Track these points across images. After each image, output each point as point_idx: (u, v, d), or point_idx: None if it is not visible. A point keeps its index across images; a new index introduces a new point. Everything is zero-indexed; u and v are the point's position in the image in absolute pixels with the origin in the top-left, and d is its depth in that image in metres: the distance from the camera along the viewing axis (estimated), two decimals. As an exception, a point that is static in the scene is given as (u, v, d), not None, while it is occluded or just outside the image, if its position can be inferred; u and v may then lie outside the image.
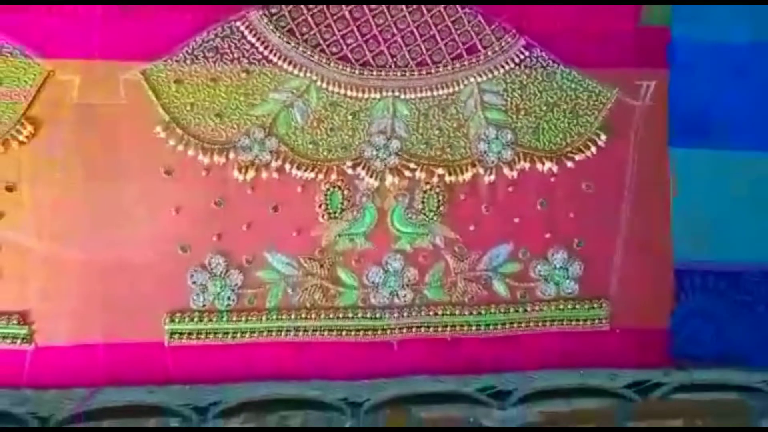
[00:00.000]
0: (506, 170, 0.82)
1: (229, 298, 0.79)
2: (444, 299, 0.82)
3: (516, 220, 0.82)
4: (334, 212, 0.80)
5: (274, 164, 0.78)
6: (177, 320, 0.78)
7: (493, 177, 0.81)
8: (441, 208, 0.81)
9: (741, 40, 0.86)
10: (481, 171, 0.81)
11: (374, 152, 0.80)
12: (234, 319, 0.79)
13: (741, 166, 0.87)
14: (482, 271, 0.82)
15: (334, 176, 0.79)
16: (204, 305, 0.79)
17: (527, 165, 0.82)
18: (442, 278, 0.82)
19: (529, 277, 0.83)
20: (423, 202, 0.81)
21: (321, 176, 0.79)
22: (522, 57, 0.82)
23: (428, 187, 0.81)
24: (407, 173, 0.80)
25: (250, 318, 0.78)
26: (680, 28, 0.85)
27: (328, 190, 0.80)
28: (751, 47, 0.86)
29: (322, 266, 0.80)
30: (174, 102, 0.77)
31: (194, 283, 0.79)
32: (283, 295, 0.80)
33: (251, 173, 0.78)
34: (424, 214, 0.81)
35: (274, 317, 0.79)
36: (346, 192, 0.80)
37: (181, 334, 0.78)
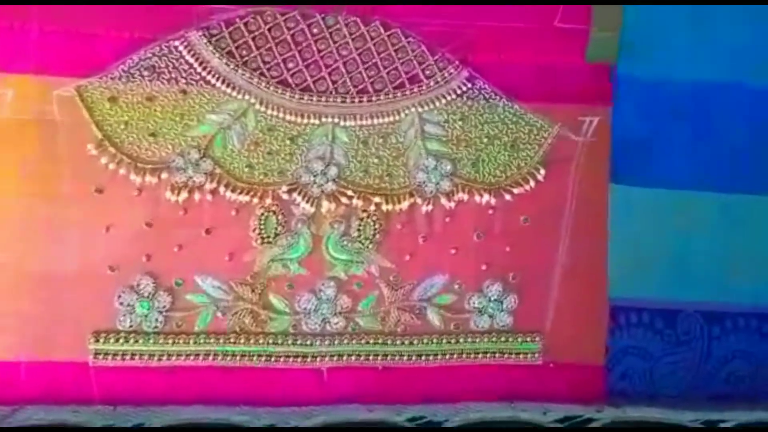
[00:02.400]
0: (444, 201, 0.85)
1: (156, 320, 0.82)
2: (377, 328, 0.85)
3: (452, 251, 0.86)
4: (268, 237, 0.82)
5: (208, 186, 0.80)
6: (102, 340, 0.80)
7: (430, 207, 0.85)
8: (377, 236, 0.84)
9: (683, 79, 0.94)
10: (419, 201, 0.84)
11: (311, 178, 0.83)
12: (161, 341, 0.81)
13: (679, 205, 0.92)
14: (416, 301, 0.86)
15: (269, 201, 0.81)
16: (131, 326, 0.81)
17: (465, 196, 0.85)
18: (375, 307, 0.85)
19: (464, 309, 0.87)
20: (359, 230, 0.84)
21: (256, 200, 0.81)
22: (464, 88, 0.86)
23: (365, 215, 0.84)
24: (344, 200, 0.82)
25: (177, 341, 0.81)
26: (625, 65, 0.93)
27: (262, 214, 0.82)
28: (692, 86, 0.94)
29: (253, 291, 0.83)
30: (108, 120, 0.80)
31: (122, 303, 0.81)
32: (213, 318, 0.82)
33: (184, 195, 0.80)
34: (360, 242, 0.84)
35: (203, 341, 0.82)
36: (281, 217, 0.82)
37: (106, 354, 0.81)
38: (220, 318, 0.82)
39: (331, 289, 0.84)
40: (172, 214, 0.80)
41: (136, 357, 0.81)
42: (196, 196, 0.80)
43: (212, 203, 0.81)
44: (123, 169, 0.80)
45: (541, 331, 0.88)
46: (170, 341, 0.82)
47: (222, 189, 0.81)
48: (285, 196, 0.82)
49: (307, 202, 0.83)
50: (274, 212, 0.82)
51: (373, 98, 0.84)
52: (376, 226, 0.84)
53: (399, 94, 0.85)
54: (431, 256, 0.85)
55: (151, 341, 0.82)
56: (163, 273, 0.81)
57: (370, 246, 0.84)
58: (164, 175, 0.80)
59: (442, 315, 0.86)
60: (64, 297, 0.79)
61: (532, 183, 0.87)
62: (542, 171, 0.87)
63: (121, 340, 0.81)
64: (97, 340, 0.80)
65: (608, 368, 0.89)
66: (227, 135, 0.81)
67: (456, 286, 0.87)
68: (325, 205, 0.82)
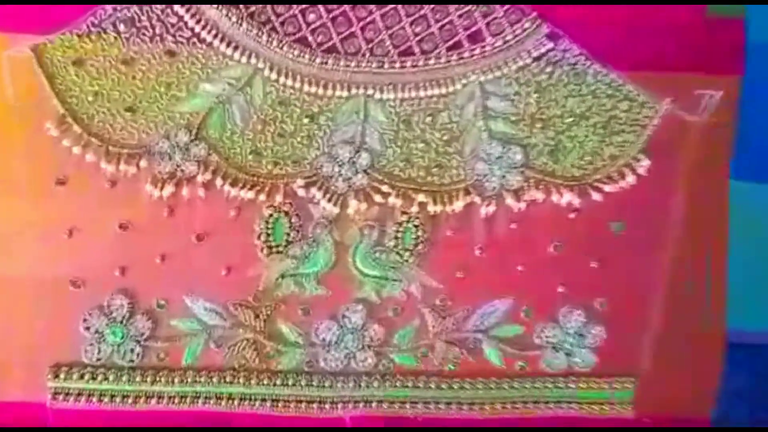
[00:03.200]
0: (511, 200, 0.76)
1: (132, 352, 0.76)
2: (416, 367, 0.79)
3: (519, 267, 0.78)
4: (278, 246, 0.75)
5: (200, 178, 0.73)
6: (63, 376, 0.75)
7: (492, 209, 0.76)
8: (420, 246, 0.76)
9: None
10: (477, 200, 0.76)
11: (336, 168, 0.75)
12: (138, 379, 0.76)
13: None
14: (470, 332, 0.79)
15: (279, 198, 0.74)
16: (99, 359, 0.76)
17: (539, 195, 0.77)
18: (415, 339, 0.78)
19: (533, 344, 0.80)
20: (397, 238, 0.76)
21: (263, 197, 0.74)
22: (542, 50, 0.77)
23: (405, 218, 0.76)
24: (378, 198, 0.75)
25: (158, 379, 0.76)
26: (761, 21, 0.80)
27: (271, 215, 0.75)
28: None
29: (257, 316, 0.76)
30: (72, 89, 0.72)
31: (88, 329, 0.75)
32: (205, 351, 0.76)
33: (169, 189, 0.73)
34: (398, 253, 0.77)
35: (191, 380, 0.76)
36: (294, 219, 0.75)
37: (68, 393, 0.76)
38: (214, 350, 0.76)
39: (358, 314, 0.76)
40: (153, 215, 0.73)
41: (106, 398, 0.75)
42: (185, 190, 0.73)
43: (205, 200, 0.74)
44: (91, 155, 0.72)
45: (635, 374, 0.80)
46: (149, 379, 0.76)
47: (219, 182, 0.73)
48: (301, 192, 0.74)
49: (330, 200, 0.74)
50: (287, 213, 0.74)
51: (420, 63, 0.75)
52: (420, 233, 0.75)
53: (454, 58, 0.76)
54: (491, 274, 0.77)
55: (125, 378, 0.76)
56: (141, 291, 0.75)
57: (411, 259, 0.76)
58: (144, 163, 0.73)
59: (503, 351, 0.79)
60: (15, 320, 0.74)
61: (630, 178, 0.77)
62: (644, 162, 0.77)
63: (86, 377, 0.75)
64: (57, 376, 0.75)
65: (719, 421, 0.82)
66: (226, 111, 0.73)
67: (523, 314, 0.78)
68: (353, 204, 0.74)
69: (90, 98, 0.72)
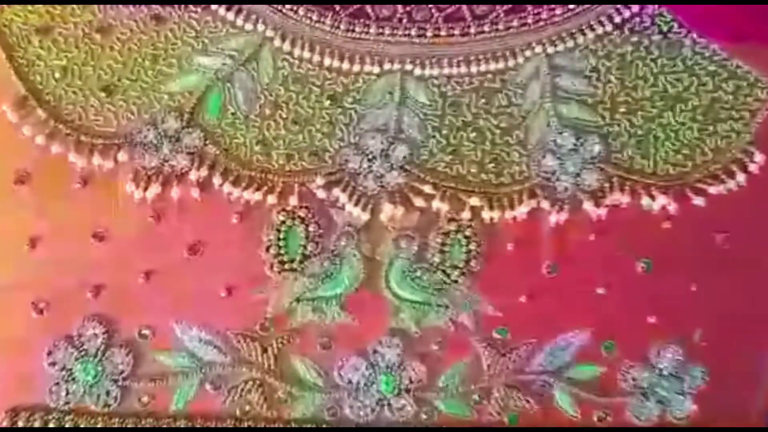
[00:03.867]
0: (588, 205, 0.70)
1: (108, 394, 0.69)
2: (468, 417, 0.72)
3: (600, 290, 0.71)
4: (292, 261, 0.69)
5: (194, 175, 0.68)
6: (23, 421, 0.69)
7: (564, 216, 0.70)
8: (472, 263, 0.70)
9: None
10: (546, 204, 0.70)
11: (365, 164, 0.69)
12: (116, 425, 0.70)
13: None
14: (536, 373, 0.72)
15: (294, 200, 0.69)
16: (68, 402, 0.69)
17: (624, 198, 0.70)
18: (466, 382, 0.72)
19: (616, 389, 0.73)
20: (443, 253, 0.70)
21: (272, 199, 0.68)
22: (626, 15, 0.71)
23: (453, 227, 0.70)
24: (419, 202, 0.69)
25: (142, 425, 0.71)
26: None
27: (283, 223, 0.69)
28: None
29: (266, 351, 0.70)
30: (35, 64, 0.67)
31: (53, 364, 0.69)
32: (199, 394, 0.70)
33: (155, 188, 0.68)
34: (444, 272, 0.70)
35: (182, 429, 0.71)
36: (312, 228, 0.69)
37: None
38: (210, 393, 0.70)
39: (393, 350, 0.71)
40: (135, 221, 0.69)
41: (76, 452, 0.69)
42: (175, 191, 0.68)
43: (201, 203, 0.69)
44: (58, 146, 0.67)
45: (747, 426, 0.74)
46: (129, 427, 0.71)
47: (217, 180, 0.68)
48: (321, 194, 0.69)
49: (358, 203, 0.69)
50: (303, 220, 0.69)
51: (472, 30, 0.70)
52: (472, 247, 0.70)
53: (515, 24, 0.70)
54: (564, 299, 0.72)
55: (100, 426, 0.70)
56: (120, 317, 0.70)
57: (461, 279, 0.71)
58: (123, 156, 0.68)
59: (579, 398, 0.73)
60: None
61: (739, 177, 0.71)
62: (758, 157, 0.71)
63: (52, 423, 0.69)
64: (15, 423, 0.69)
65: None
66: (227, 91, 0.69)
67: (604, 351, 0.72)
68: (387, 209, 0.69)
69: (57, 75, 0.68)
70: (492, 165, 0.71)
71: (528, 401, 0.73)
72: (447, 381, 0.72)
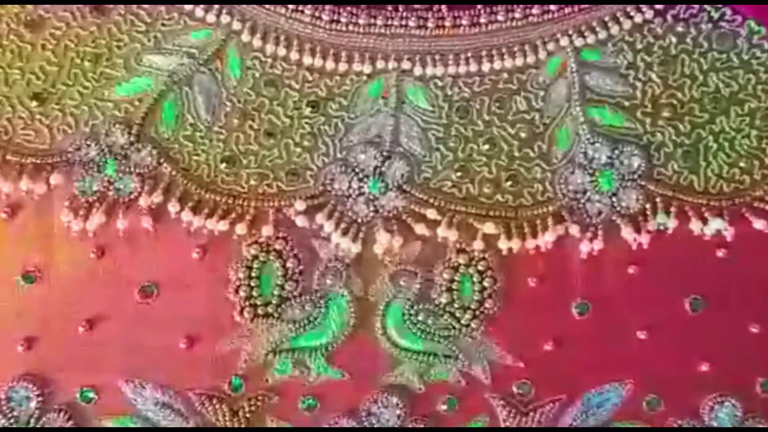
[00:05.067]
0: (627, 231, 0.67)
1: None
2: None
3: (641, 335, 0.69)
4: (267, 304, 0.67)
5: (145, 201, 0.65)
6: None
7: (599, 245, 0.68)
8: (487, 304, 0.68)
9: None
10: (575, 231, 0.67)
11: (355, 184, 0.67)
12: None
13: None
14: None
15: (268, 230, 0.66)
16: None
17: (671, 222, 0.68)
18: None
19: None
20: (450, 291, 0.68)
21: (242, 229, 0.66)
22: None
23: (463, 260, 0.68)
24: (420, 229, 0.67)
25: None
26: None
27: (255, 258, 0.66)
28: None
29: (236, 415, 0.68)
30: None
31: None
32: None
33: (98, 218, 0.65)
34: (452, 314, 0.68)
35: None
36: (291, 263, 0.67)
37: None
38: None
39: (392, 411, 0.69)
40: (74, 258, 0.67)
41: None
42: (122, 221, 0.66)
43: (154, 235, 0.67)
44: None
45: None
46: None
47: (174, 206, 0.66)
48: (301, 221, 0.67)
49: (346, 232, 0.67)
50: (279, 254, 0.67)
51: (482, 19, 0.68)
52: (486, 284, 0.68)
53: (536, 11, 0.68)
54: (598, 345, 0.70)
55: None
56: (57, 375, 0.68)
57: (474, 324, 0.68)
58: (58, 179, 0.65)
59: None
60: None
61: None
62: None
63: None
64: None
65: None
66: (185, 97, 0.67)
67: (647, 406, 0.70)
68: (383, 238, 0.67)
69: (-25, 79, 0.65)
70: (509, 184, 0.69)
71: (557, 470, 0.69)
72: (458, 448, 0.69)
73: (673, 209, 0.68)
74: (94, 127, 0.66)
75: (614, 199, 0.68)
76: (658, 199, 0.68)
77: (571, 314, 0.69)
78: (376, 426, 0.69)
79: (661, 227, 0.68)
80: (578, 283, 0.69)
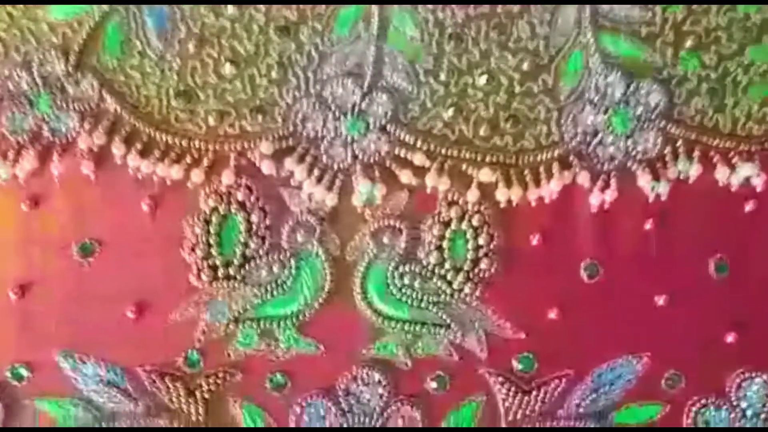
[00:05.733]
0: (644, 179, 0.66)
1: None
2: None
3: (660, 300, 0.69)
4: (228, 265, 0.67)
5: (85, 142, 0.63)
6: None
7: (611, 194, 0.67)
8: (483, 264, 0.68)
9: None
10: (585, 179, 0.66)
11: (330, 124, 0.66)
12: None
13: None
14: (573, 417, 0.72)
15: (229, 177, 0.65)
16: None
17: (694, 169, 0.67)
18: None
19: None
20: (440, 250, 0.68)
21: (198, 176, 0.65)
22: None
23: (456, 213, 0.67)
24: (406, 177, 0.66)
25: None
26: None
27: (214, 210, 0.66)
28: None
29: (192, 395, 0.68)
30: None
31: None
32: None
33: (30, 163, 0.64)
34: (443, 277, 0.68)
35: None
36: (256, 217, 0.66)
37: None
38: None
39: (373, 389, 0.70)
40: (2, 210, 0.66)
41: None
42: (57, 166, 0.65)
43: (96, 183, 0.65)
44: None
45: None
46: None
47: (118, 149, 0.65)
48: (267, 168, 0.65)
49: (320, 180, 0.66)
50: (242, 206, 0.67)
51: None
52: (482, 242, 0.68)
53: None
54: (610, 313, 0.70)
55: None
56: None
57: (467, 288, 0.68)
58: None
59: None
60: None
61: None
62: None
63: None
64: None
65: None
66: (133, 19, 0.65)
67: (666, 384, 0.71)
68: (363, 188, 0.66)
69: None
70: (509, 124, 0.67)
71: (563, 456, 0.69)
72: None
73: (696, 154, 0.67)
74: (26, 54, 0.64)
75: (629, 142, 0.67)
76: (679, 143, 0.67)
77: (579, 277, 0.68)
78: (354, 404, 0.70)
79: (683, 175, 0.67)
80: (588, 241, 0.68)
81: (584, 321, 0.69)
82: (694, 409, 0.71)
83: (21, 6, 0.63)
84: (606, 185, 0.67)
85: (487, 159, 0.66)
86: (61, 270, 0.65)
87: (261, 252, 0.66)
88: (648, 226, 0.68)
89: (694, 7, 0.67)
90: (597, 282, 0.68)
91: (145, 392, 0.68)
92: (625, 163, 0.67)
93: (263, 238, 0.66)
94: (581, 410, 0.71)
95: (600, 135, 0.67)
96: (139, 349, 0.68)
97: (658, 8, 0.66)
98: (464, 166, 0.66)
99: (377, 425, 0.70)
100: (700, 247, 0.69)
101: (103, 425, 0.68)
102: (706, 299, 0.70)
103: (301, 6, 0.66)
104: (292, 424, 0.70)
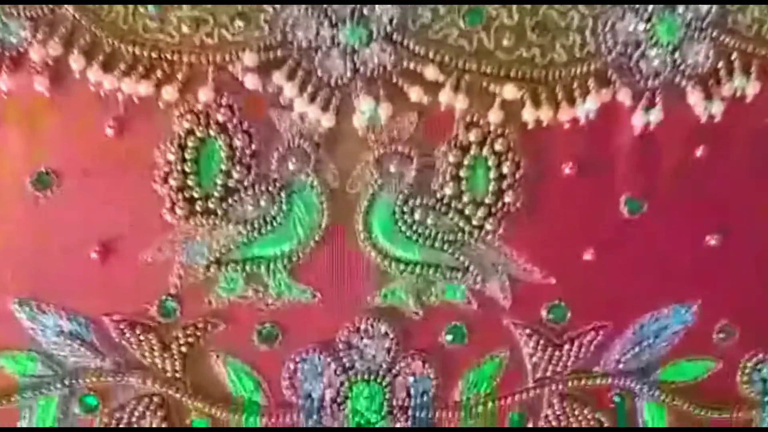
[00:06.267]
0: (694, 99, 0.64)
1: None
2: None
3: (712, 240, 0.67)
4: (207, 198, 0.64)
5: (37, 53, 0.60)
6: None
7: (657, 115, 0.64)
8: (508, 198, 0.65)
9: None
10: (625, 97, 0.63)
11: (326, 30, 0.62)
12: None
13: None
14: (611, 375, 0.70)
15: (207, 94, 0.62)
16: None
17: (751, 86, 0.64)
18: (498, 391, 0.70)
19: (738, 396, 0.71)
20: (458, 180, 0.65)
21: (171, 93, 0.61)
22: None
23: (475, 137, 0.64)
24: (416, 95, 0.62)
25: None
26: None
27: (190, 133, 0.63)
28: None
29: (167, 348, 0.66)
30: None
31: None
32: (64, 421, 0.68)
33: None
34: (461, 212, 0.65)
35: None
36: (239, 141, 0.63)
37: None
38: (81, 419, 0.69)
39: (380, 343, 0.68)
40: None
41: None
42: (6, 81, 0.61)
43: (51, 103, 0.62)
44: None
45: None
46: None
47: (77, 61, 0.61)
48: (252, 83, 0.62)
49: (314, 98, 0.63)
50: (224, 128, 0.63)
51: None
52: (506, 170, 0.65)
53: None
54: (653, 255, 0.68)
55: None
56: None
57: (489, 224, 0.66)
58: None
59: (678, 413, 0.72)
60: None
61: None
62: None
63: None
64: None
65: None
66: None
67: (719, 336, 0.70)
68: (366, 106, 0.63)
69: None
70: (536, 33, 0.64)
71: (597, 418, 0.70)
72: (467, 392, 0.70)
73: (753, 69, 0.64)
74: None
75: (677, 54, 0.64)
76: (734, 56, 0.64)
77: (619, 213, 0.66)
78: (356, 360, 0.68)
79: (739, 93, 0.64)
80: (629, 170, 0.66)
81: (624, 264, 0.67)
82: (749, 365, 0.70)
83: None
84: (651, 104, 0.64)
85: (512, 73, 0.63)
86: (14, 206, 0.63)
87: (246, 183, 0.64)
88: (699, 152, 0.65)
89: None
90: (639, 218, 0.66)
91: (114, 346, 0.66)
92: (672, 78, 0.64)
93: (248, 167, 0.63)
94: (621, 366, 0.69)
95: (643, 46, 0.64)
96: (105, 296, 0.65)
97: None
98: (485, 82, 0.63)
99: (383, 384, 0.68)
100: (759, 176, 0.67)
101: (66, 383, 0.67)
102: (766, 239, 0.68)
103: None
104: (284, 383, 0.68)
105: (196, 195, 0.63)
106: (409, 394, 0.69)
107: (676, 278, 0.69)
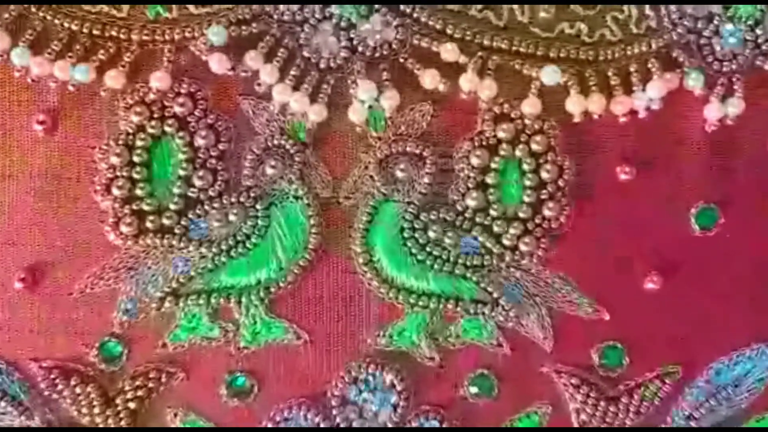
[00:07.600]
0: None
1: None
2: None
3: None
4: (161, 212, 0.62)
5: None
6: None
7: (735, 108, 0.62)
8: (548, 210, 0.63)
9: None
10: (696, 83, 0.61)
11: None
12: None
13: None
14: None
15: (162, 80, 0.60)
16: None
17: None
18: None
19: None
20: (483, 189, 0.63)
21: (116, 79, 0.59)
22: None
23: (504, 133, 0.62)
24: (431, 81, 0.61)
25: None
26: None
27: (140, 130, 0.61)
28: None
29: (110, 404, 0.64)
30: None
31: None
32: None
33: None
34: (487, 230, 0.63)
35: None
36: (204, 140, 0.61)
37: None
38: None
39: (381, 397, 0.66)
40: None
41: None
42: None
43: None
44: None
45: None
46: None
47: (3, 42, 0.61)
48: (218, 65, 0.60)
49: (299, 84, 0.61)
50: (183, 123, 0.62)
51: None
52: (545, 175, 0.63)
53: None
54: (735, 280, 0.66)
55: None
56: None
57: (524, 245, 0.63)
58: None
59: None
60: None
61: None
62: None
63: None
64: None
65: None
66: None
67: None
68: (365, 94, 0.61)
69: None
70: (581, 13, 0.64)
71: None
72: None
73: None
74: None
75: (758, 31, 0.63)
76: None
77: (688, 225, 0.64)
78: (354, 420, 0.67)
79: None
80: (701, 174, 0.64)
81: (696, 293, 0.65)
82: None
83: None
84: (728, 92, 0.62)
85: (552, 53, 0.62)
86: None
87: (211, 192, 0.62)
88: (789, 149, 0.64)
89: None
90: (714, 235, 0.64)
91: (42, 399, 0.65)
92: (752, 61, 0.63)
93: (214, 172, 0.62)
94: (692, 423, 0.68)
95: (716, 22, 0.64)
96: (32, 335, 0.64)
97: None
98: (517, 64, 0.62)
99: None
100: None
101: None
102: None
103: None
104: None
105: (147, 208, 0.61)
106: (425, 462, 0.67)
107: (762, 310, 0.67)
